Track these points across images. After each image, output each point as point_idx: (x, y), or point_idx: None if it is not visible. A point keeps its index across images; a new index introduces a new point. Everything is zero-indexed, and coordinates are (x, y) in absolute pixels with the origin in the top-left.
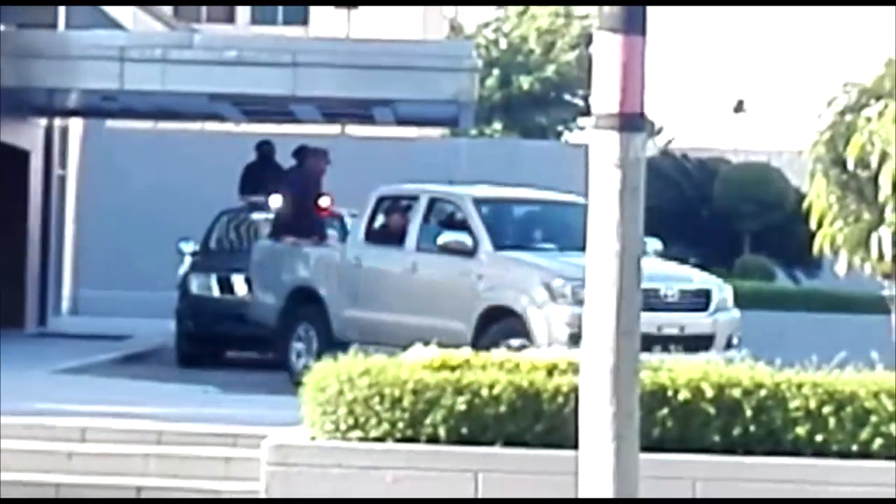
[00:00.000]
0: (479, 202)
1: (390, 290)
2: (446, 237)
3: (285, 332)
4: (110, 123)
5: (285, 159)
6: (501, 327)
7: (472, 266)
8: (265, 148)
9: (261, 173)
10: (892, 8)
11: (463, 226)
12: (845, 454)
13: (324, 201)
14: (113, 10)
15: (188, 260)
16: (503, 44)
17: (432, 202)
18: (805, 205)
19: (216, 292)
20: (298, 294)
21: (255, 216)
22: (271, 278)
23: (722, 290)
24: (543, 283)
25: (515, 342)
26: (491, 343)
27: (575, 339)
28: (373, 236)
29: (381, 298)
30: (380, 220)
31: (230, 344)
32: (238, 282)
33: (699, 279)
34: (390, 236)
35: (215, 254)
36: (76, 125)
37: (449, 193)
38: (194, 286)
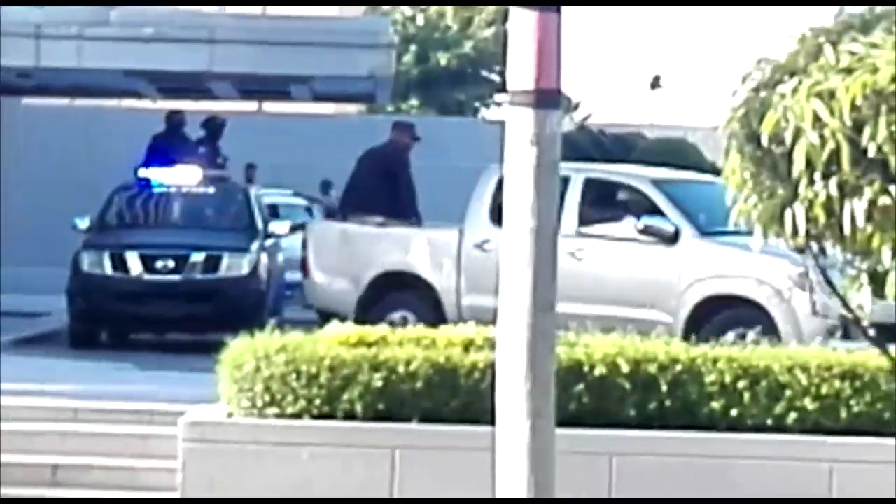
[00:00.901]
0: (658, 183)
1: None
2: (649, 222)
3: (370, 322)
4: (27, 100)
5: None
6: (727, 317)
7: (670, 253)
8: (175, 118)
9: (169, 145)
10: None
11: (637, 209)
12: (760, 428)
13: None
14: None
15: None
16: (420, 20)
17: (589, 183)
18: (720, 180)
19: (109, 270)
20: (387, 279)
21: (157, 191)
22: (343, 262)
23: None
24: (786, 272)
25: (748, 332)
26: (719, 333)
27: (832, 331)
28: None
29: None
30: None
31: (126, 325)
32: (132, 259)
33: None
34: None
35: (111, 230)
36: None
37: (614, 173)
38: (86, 264)
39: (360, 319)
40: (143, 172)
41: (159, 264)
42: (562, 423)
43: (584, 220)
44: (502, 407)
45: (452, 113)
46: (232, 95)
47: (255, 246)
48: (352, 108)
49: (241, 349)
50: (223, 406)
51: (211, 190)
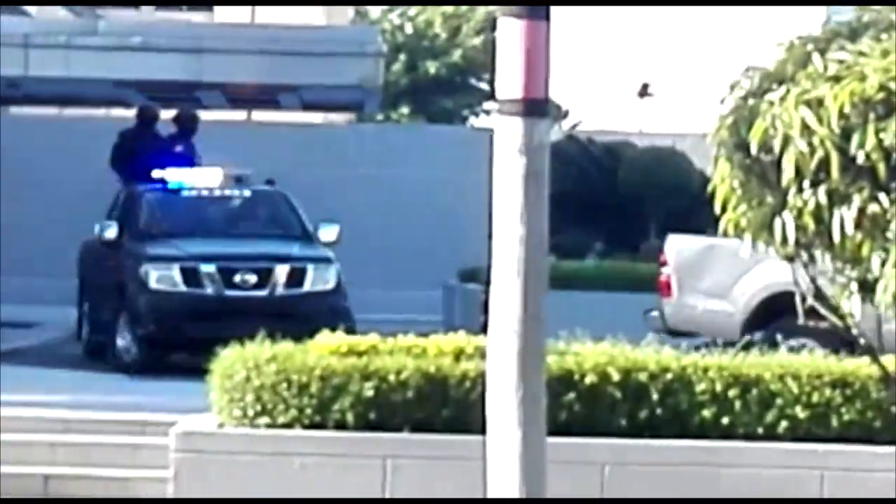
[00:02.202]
0: None
1: None
2: None
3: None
4: (15, 110)
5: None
6: None
7: None
8: (147, 113)
9: (141, 141)
10: None
11: None
12: (751, 436)
13: None
14: None
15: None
16: (409, 28)
17: None
18: (709, 189)
19: (182, 286)
20: (774, 302)
21: (186, 194)
22: (721, 281)
23: None
24: None
25: None
26: None
27: None
28: None
29: None
30: None
31: (202, 347)
32: (208, 273)
33: None
34: None
35: (159, 239)
36: None
37: None
38: (153, 279)
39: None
40: (158, 174)
41: (238, 279)
42: (553, 431)
43: None
44: (493, 416)
45: (441, 121)
46: (221, 104)
47: (332, 255)
48: (341, 118)
49: (231, 359)
50: (214, 416)
51: (247, 193)
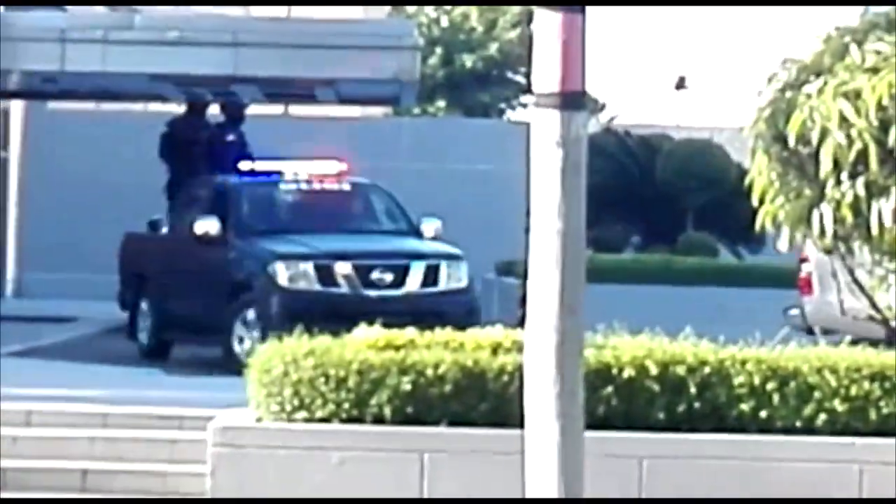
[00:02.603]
0: None
1: None
2: None
3: None
4: (52, 105)
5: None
6: None
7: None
8: (198, 102)
9: (189, 131)
10: None
11: None
12: (789, 430)
13: None
14: None
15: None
16: (445, 22)
17: None
18: (747, 181)
19: (317, 285)
20: None
21: (283, 187)
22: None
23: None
24: None
25: None
26: None
27: None
28: None
29: None
30: None
31: None
32: (344, 272)
33: None
34: None
35: (272, 235)
36: (17, 107)
37: None
38: (285, 278)
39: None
40: (247, 165)
41: (374, 277)
42: (590, 425)
43: None
44: (531, 410)
45: (478, 114)
46: (258, 99)
47: (461, 253)
48: (377, 111)
49: (269, 353)
50: (252, 410)
51: (347, 186)
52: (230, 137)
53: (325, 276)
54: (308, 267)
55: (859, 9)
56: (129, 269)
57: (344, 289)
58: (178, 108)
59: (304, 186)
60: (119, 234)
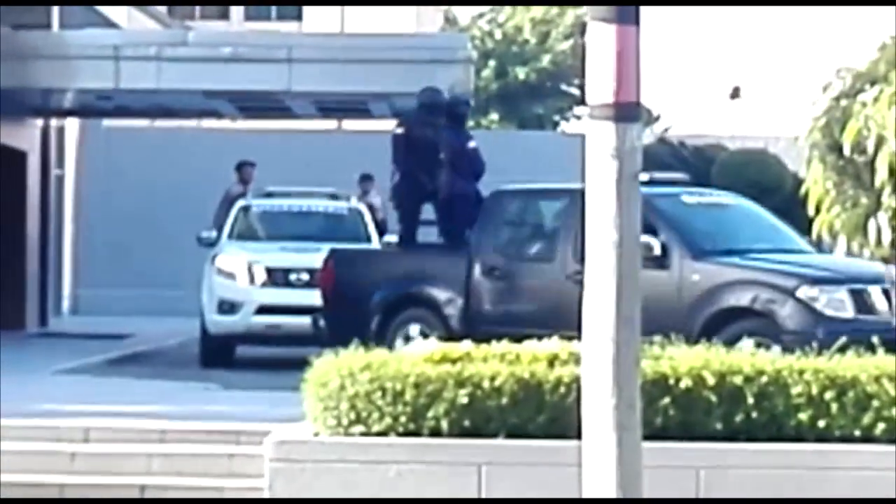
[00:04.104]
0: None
1: None
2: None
3: None
4: (107, 122)
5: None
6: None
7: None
8: (431, 95)
9: (429, 131)
10: None
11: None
12: (848, 439)
13: None
14: (107, 10)
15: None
16: (498, 35)
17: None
18: (802, 190)
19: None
20: None
21: (688, 199)
22: None
23: None
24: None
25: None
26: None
27: None
28: None
29: None
30: None
31: None
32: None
33: None
34: None
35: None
36: (73, 124)
37: None
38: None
39: None
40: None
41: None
42: (648, 436)
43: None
44: (588, 421)
45: (532, 127)
46: (311, 113)
47: None
48: None
49: (325, 367)
50: (309, 425)
51: (728, 200)
52: (471, 144)
53: (862, 302)
54: (843, 292)
55: None
56: (340, 289)
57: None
58: (232, 126)
59: (703, 200)
60: (174, 249)
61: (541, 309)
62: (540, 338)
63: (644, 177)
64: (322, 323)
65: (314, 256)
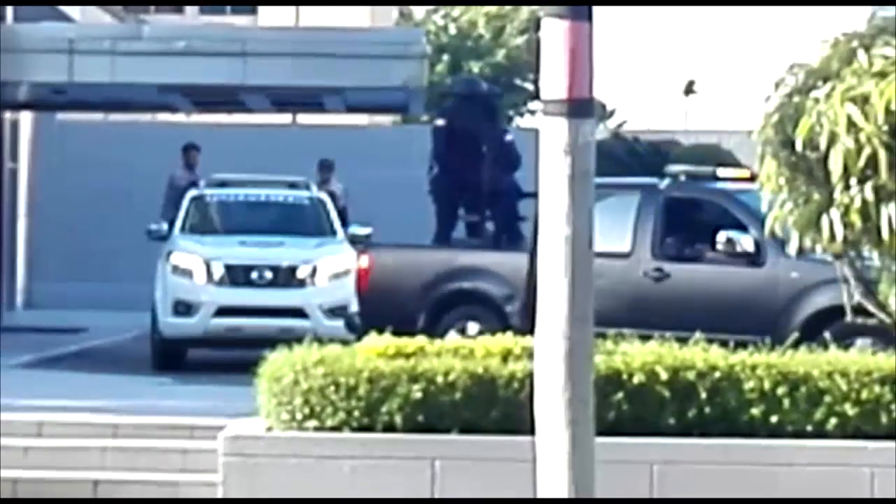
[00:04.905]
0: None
1: None
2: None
3: None
4: (61, 116)
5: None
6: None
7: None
8: (474, 87)
9: (473, 123)
10: None
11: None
12: (800, 434)
13: None
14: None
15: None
16: (452, 29)
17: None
18: (756, 186)
19: None
20: None
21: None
22: None
23: None
24: None
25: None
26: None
27: None
28: None
29: None
30: None
31: None
32: None
33: None
34: None
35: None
36: (26, 118)
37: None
38: None
39: None
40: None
41: None
42: (601, 432)
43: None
44: (541, 417)
45: None
46: (266, 108)
47: None
48: (385, 119)
49: (279, 362)
50: (262, 420)
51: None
52: (509, 137)
53: None
54: None
55: (866, 13)
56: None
57: None
58: (186, 120)
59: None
60: (128, 242)
61: (615, 307)
62: (615, 338)
63: (710, 171)
64: (358, 323)
65: (277, 252)
